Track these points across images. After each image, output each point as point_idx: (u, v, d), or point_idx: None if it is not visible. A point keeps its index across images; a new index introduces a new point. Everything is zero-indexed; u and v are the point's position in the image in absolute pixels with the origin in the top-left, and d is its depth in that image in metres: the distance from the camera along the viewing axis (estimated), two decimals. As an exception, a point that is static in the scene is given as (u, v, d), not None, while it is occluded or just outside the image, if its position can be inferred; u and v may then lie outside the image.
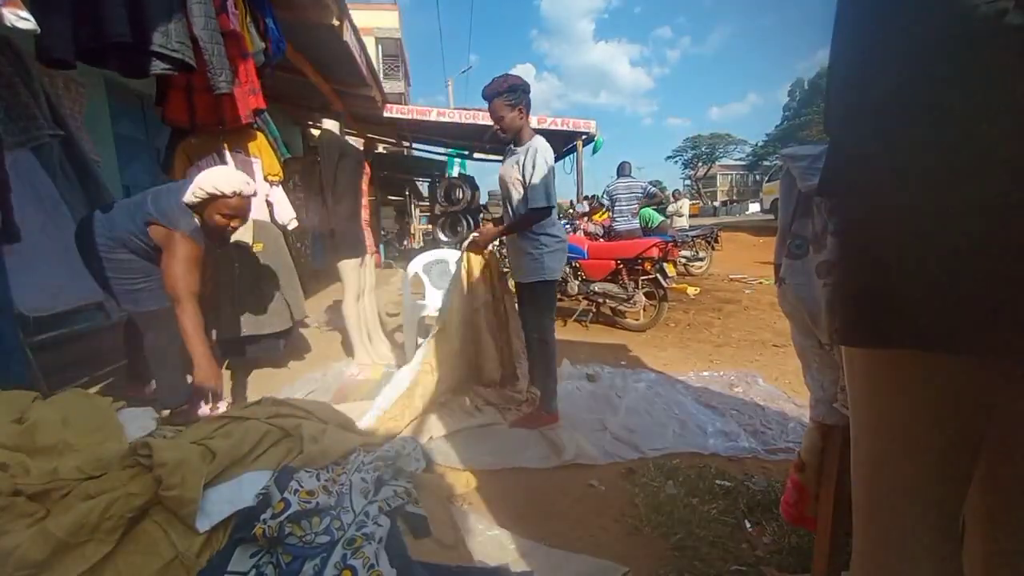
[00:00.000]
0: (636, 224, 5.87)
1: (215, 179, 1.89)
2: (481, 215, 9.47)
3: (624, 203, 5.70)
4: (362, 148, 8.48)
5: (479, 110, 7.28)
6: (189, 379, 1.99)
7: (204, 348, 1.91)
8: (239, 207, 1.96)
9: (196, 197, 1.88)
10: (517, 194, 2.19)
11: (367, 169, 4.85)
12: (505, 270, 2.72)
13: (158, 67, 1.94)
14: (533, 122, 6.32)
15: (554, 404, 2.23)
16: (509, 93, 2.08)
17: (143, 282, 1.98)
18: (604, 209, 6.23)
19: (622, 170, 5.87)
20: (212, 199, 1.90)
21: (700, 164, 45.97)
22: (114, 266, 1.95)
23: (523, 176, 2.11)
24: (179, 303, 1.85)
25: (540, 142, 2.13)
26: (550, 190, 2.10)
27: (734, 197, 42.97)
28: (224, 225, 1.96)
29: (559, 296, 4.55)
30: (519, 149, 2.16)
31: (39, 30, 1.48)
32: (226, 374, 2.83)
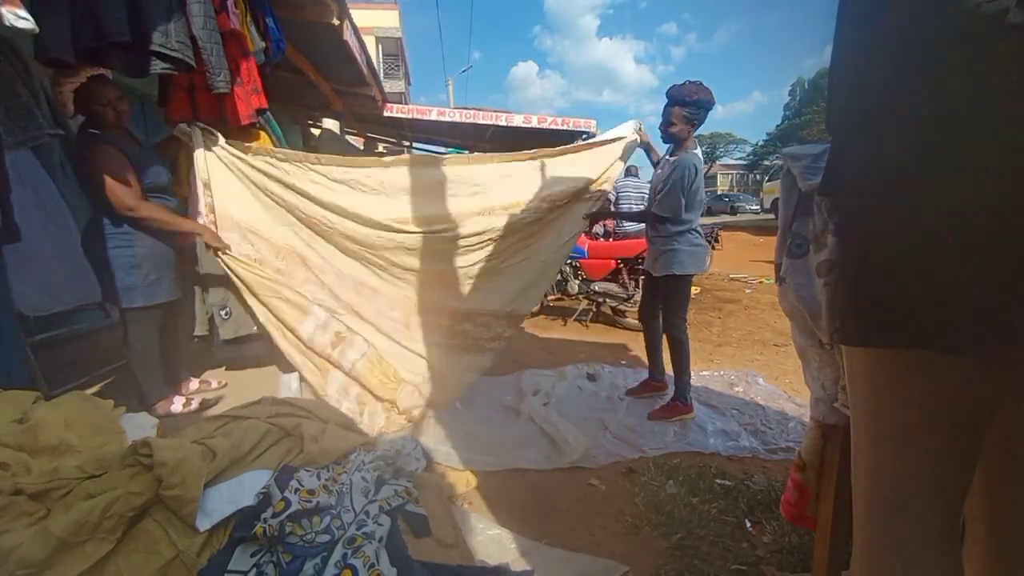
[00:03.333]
0: (643, 224, 5.89)
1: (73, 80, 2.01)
2: None
3: (633, 203, 5.71)
4: (362, 148, 8.48)
5: (479, 109, 7.28)
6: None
7: (185, 221, 2.18)
8: (103, 92, 2.03)
9: (66, 97, 2.02)
10: None
11: (367, 168, 4.84)
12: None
13: (158, 66, 1.94)
14: (533, 121, 6.42)
15: (688, 396, 2.39)
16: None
17: (137, 275, 2.08)
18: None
19: (629, 171, 5.89)
20: (78, 95, 2.00)
21: (700, 163, 45.89)
22: (115, 257, 2.05)
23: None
24: (133, 211, 2.01)
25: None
26: None
27: (734, 196, 42.92)
28: (108, 113, 2.05)
29: (559, 296, 4.55)
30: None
31: (37, 30, 1.47)
32: (230, 373, 2.84)
